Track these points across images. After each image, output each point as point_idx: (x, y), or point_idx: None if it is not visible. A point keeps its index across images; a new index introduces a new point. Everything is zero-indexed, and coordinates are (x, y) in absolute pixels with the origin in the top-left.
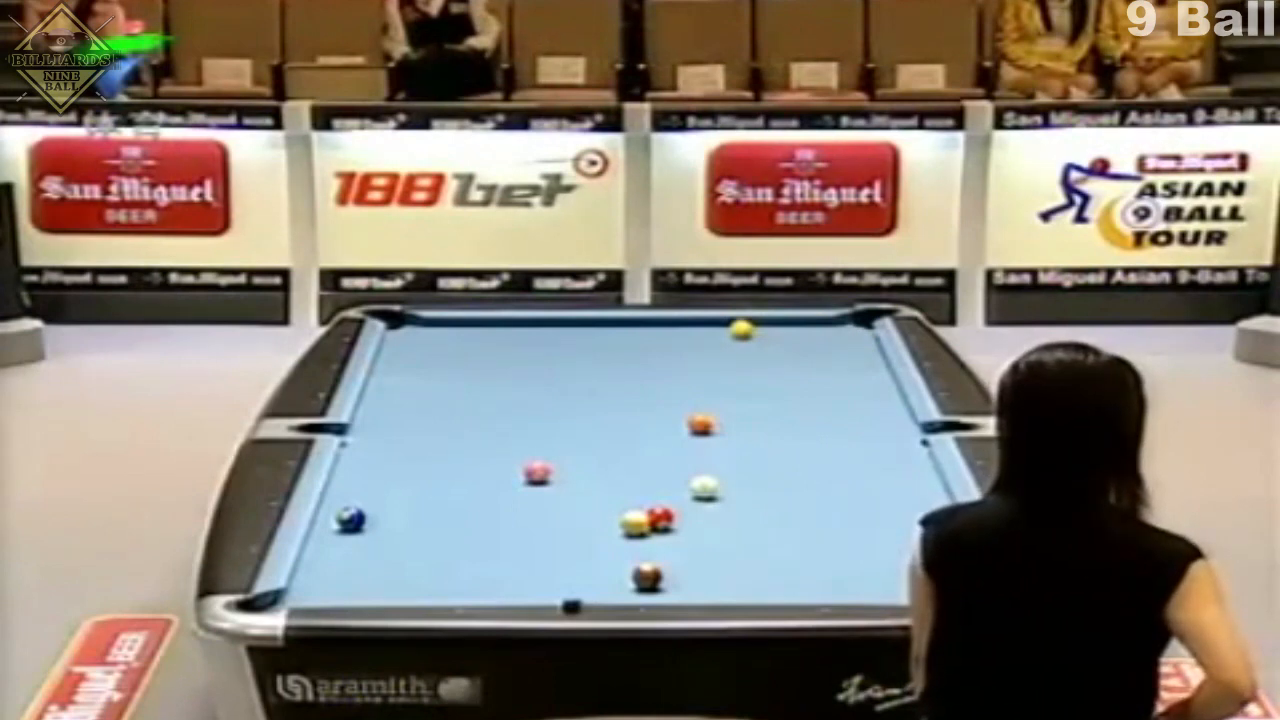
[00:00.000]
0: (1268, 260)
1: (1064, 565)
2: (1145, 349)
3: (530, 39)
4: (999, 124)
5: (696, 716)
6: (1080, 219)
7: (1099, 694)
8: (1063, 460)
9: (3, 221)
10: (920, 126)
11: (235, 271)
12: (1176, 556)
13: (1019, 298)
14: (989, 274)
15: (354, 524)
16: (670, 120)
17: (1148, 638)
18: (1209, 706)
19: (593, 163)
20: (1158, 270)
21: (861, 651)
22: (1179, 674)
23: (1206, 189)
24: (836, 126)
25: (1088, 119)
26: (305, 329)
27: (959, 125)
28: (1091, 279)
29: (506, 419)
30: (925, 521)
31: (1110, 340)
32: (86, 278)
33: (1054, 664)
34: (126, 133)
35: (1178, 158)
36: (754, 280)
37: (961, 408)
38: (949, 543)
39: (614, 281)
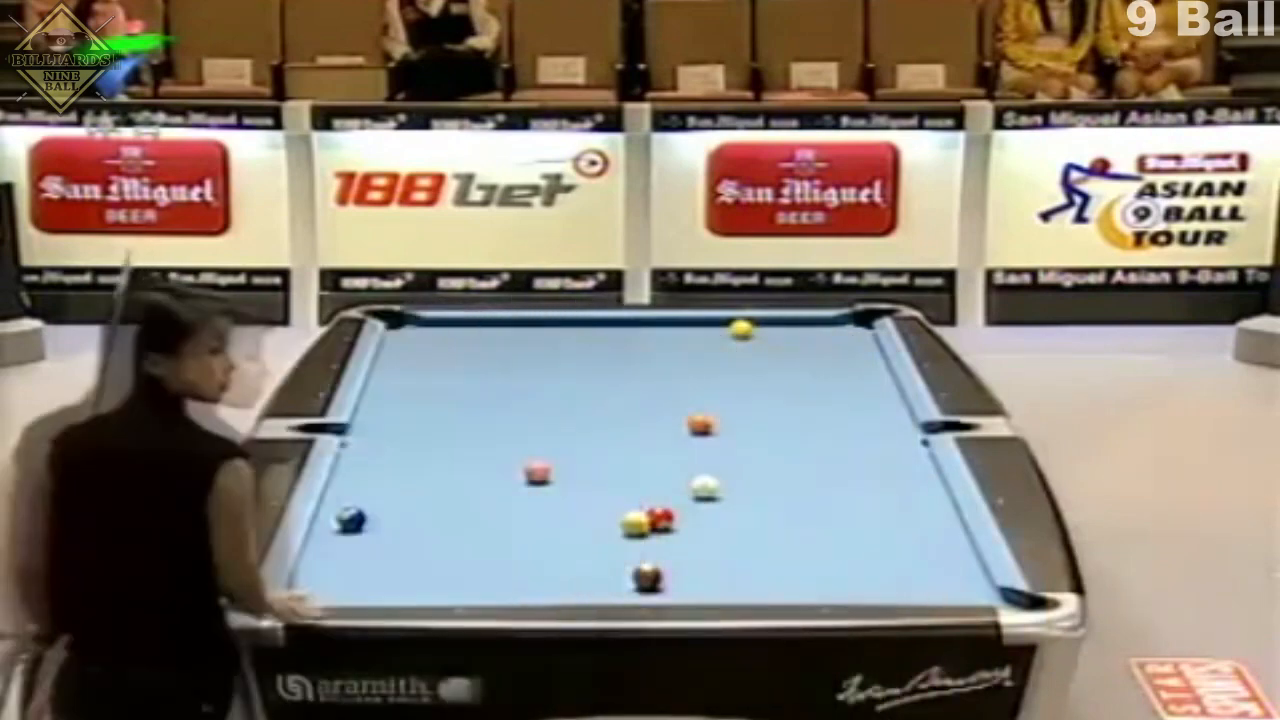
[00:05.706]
0: (1268, 260)
1: (115, 466)
2: (1145, 349)
3: (530, 39)
4: (999, 124)
5: (696, 716)
6: (1080, 219)
7: (151, 595)
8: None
9: (3, 221)
10: (920, 126)
11: (235, 271)
12: (211, 458)
13: (1019, 298)
14: (989, 274)
15: (354, 524)
16: (670, 120)
17: (195, 536)
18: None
19: (593, 163)
20: (1158, 270)
21: (861, 651)
22: (1178, 674)
23: (1206, 189)
24: (836, 126)
25: (1088, 119)
26: (305, 329)
27: (959, 125)
28: (1091, 279)
29: (506, 419)
30: (34, 426)
31: (1110, 340)
32: (86, 278)
33: (108, 560)
34: (126, 133)
35: (1178, 158)
36: (754, 280)
37: (961, 408)
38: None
39: (614, 281)
